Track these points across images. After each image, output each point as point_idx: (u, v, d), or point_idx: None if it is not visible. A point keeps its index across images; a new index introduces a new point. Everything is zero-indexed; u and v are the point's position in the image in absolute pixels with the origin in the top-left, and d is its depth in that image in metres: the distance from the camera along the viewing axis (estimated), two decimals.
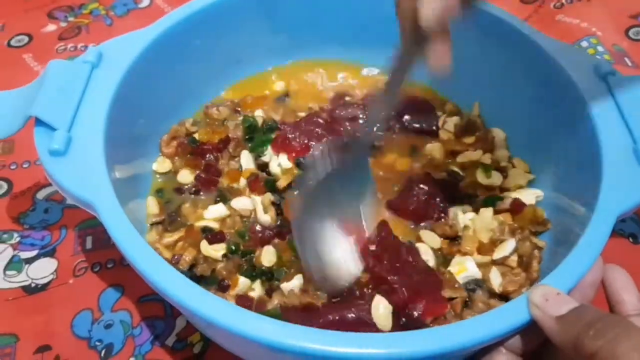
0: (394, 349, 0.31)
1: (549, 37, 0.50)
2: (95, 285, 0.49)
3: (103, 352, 0.45)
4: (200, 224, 0.48)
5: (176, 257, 0.45)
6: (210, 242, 0.46)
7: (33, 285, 0.49)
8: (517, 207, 0.48)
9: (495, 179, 0.51)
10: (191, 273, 0.44)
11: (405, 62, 0.36)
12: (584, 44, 0.70)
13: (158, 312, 0.47)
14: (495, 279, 0.45)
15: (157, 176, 0.52)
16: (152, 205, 0.49)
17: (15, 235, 0.52)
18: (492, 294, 0.44)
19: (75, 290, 0.48)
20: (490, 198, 0.49)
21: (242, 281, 0.44)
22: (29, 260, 0.50)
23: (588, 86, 0.45)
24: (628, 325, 0.29)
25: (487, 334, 0.32)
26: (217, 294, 0.38)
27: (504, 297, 0.44)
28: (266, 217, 0.47)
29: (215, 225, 0.48)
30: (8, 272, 0.50)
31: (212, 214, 0.48)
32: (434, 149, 0.54)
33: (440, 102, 0.59)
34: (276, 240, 0.47)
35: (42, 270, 0.50)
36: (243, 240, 0.47)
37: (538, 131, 0.51)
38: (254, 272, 0.45)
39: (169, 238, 0.46)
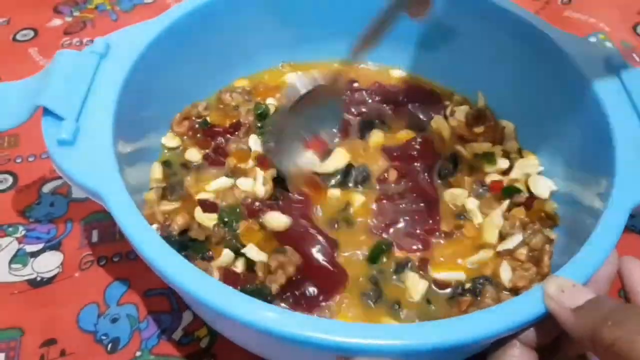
0: (404, 341, 0.31)
1: (558, 29, 0.50)
2: (101, 279, 0.48)
3: (109, 346, 0.44)
4: (200, 196, 0.48)
5: (168, 222, 0.45)
6: (204, 210, 0.46)
7: (38, 278, 0.48)
8: (530, 202, 0.48)
9: (502, 163, 0.51)
10: (182, 237, 0.44)
11: (390, 15, 0.43)
12: (592, 39, 0.69)
13: (164, 306, 0.47)
14: (505, 274, 0.44)
15: (165, 150, 0.52)
16: (156, 171, 0.49)
17: (21, 228, 0.52)
18: (502, 289, 0.44)
19: (81, 284, 0.48)
20: (509, 189, 0.49)
21: (226, 253, 0.44)
22: (35, 254, 0.50)
23: (599, 78, 0.45)
24: None
25: (501, 327, 0.32)
26: (200, 264, 0.41)
27: (515, 292, 0.43)
28: (262, 188, 0.48)
29: (212, 196, 0.48)
30: (13, 266, 0.49)
31: (214, 186, 0.49)
32: (442, 126, 0.54)
33: (448, 93, 0.59)
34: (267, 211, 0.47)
35: (48, 263, 0.49)
36: (234, 215, 0.47)
37: (548, 123, 0.50)
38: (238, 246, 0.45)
39: (167, 206, 0.47)
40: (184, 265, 0.34)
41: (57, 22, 0.71)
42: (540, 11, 0.74)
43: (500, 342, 0.34)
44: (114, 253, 0.50)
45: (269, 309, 0.32)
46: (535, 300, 0.33)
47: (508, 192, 0.49)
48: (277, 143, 0.46)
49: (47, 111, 0.41)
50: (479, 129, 0.54)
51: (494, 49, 0.53)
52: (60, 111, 0.40)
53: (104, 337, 0.45)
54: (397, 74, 0.61)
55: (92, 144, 0.40)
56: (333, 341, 0.31)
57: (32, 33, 0.70)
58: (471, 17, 0.54)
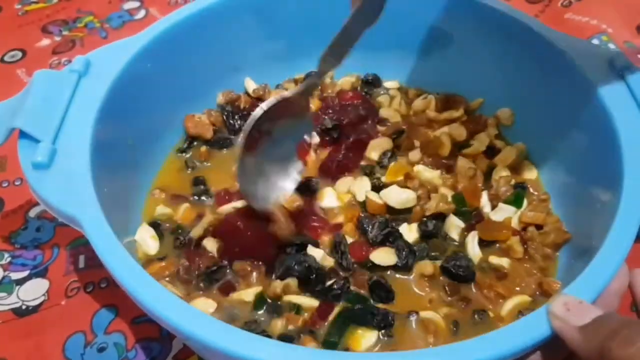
0: None
1: (559, 32, 0.48)
2: (88, 306, 0.46)
3: None
4: None
5: None
6: None
7: (24, 307, 0.47)
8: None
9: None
10: None
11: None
12: (595, 41, 0.67)
13: (153, 333, 0.45)
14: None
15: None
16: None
17: (6, 255, 0.50)
18: None
19: (67, 312, 0.46)
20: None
21: None
22: (20, 281, 0.48)
23: (603, 81, 0.43)
24: None
25: (505, 351, 0.30)
26: None
27: None
28: None
29: None
30: None
31: None
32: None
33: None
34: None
35: (33, 291, 0.48)
36: None
37: (552, 132, 0.48)
38: None
39: None
40: (163, 293, 0.32)
41: (45, 42, 0.70)
42: (540, 14, 0.72)
43: None
44: (101, 279, 0.48)
45: (255, 339, 0.30)
46: (540, 321, 0.30)
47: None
48: (246, 188, 0.43)
49: (23, 133, 0.39)
50: (448, 114, 0.54)
51: (493, 55, 0.52)
52: (36, 133, 0.39)
53: None
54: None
55: (69, 166, 0.38)
56: None
57: (20, 54, 0.69)
58: (470, 22, 0.52)
